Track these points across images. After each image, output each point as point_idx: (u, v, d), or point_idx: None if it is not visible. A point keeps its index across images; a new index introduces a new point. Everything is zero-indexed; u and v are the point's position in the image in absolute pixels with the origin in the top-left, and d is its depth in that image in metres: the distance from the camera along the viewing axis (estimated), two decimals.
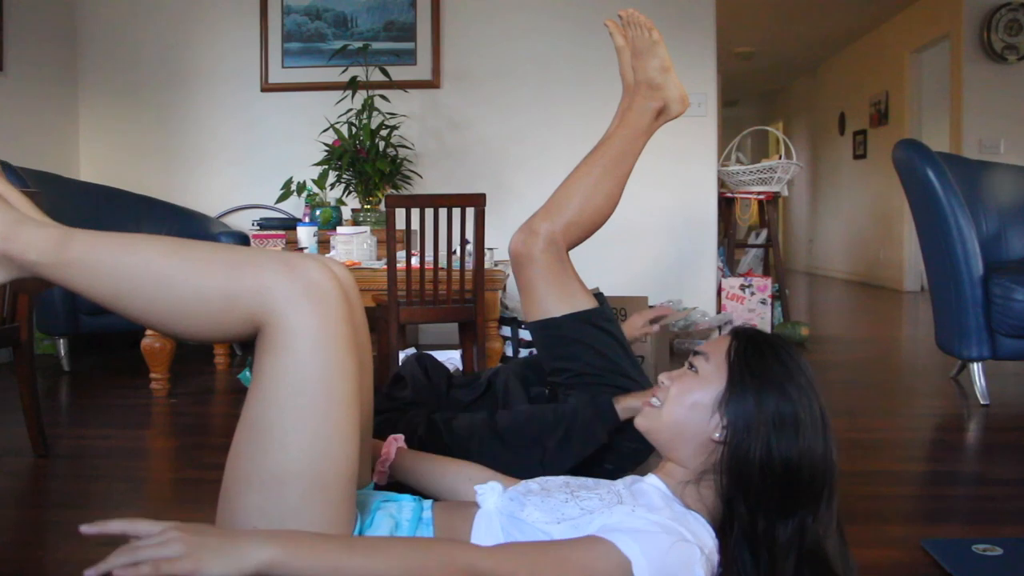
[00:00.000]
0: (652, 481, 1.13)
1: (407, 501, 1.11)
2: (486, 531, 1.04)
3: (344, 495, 0.97)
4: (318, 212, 3.70)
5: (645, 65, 1.78)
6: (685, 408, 1.10)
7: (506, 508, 1.07)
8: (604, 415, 1.55)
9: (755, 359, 1.09)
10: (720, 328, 4.27)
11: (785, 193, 4.90)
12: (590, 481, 1.15)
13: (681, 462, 1.12)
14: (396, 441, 1.41)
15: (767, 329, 4.30)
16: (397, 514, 1.07)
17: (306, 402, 0.94)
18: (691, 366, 1.14)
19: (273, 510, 0.93)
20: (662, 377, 1.17)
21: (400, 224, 3.68)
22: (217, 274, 0.97)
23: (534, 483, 1.14)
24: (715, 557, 1.02)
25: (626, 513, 1.00)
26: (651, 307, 3.59)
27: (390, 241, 2.53)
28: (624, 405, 1.57)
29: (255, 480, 0.94)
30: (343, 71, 4.05)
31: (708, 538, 1.03)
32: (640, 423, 1.16)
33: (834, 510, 1.07)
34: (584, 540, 0.97)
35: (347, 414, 0.97)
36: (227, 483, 0.97)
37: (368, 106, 3.86)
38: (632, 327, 2.07)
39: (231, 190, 4.46)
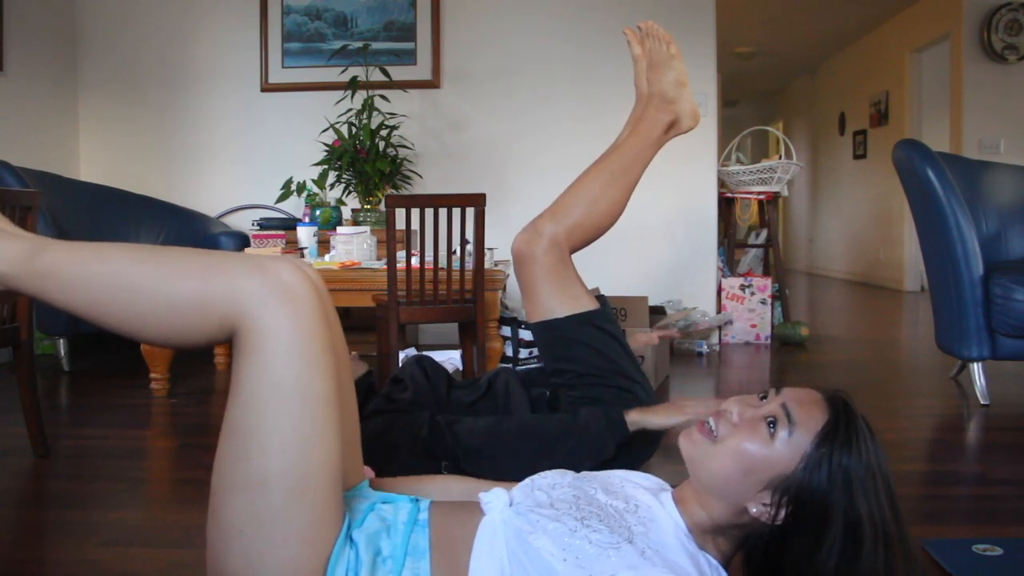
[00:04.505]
0: (670, 510, 1.06)
1: (404, 502, 1.10)
2: (489, 544, 1.00)
3: (329, 494, 0.97)
4: (318, 212, 3.70)
5: (661, 78, 1.79)
6: (738, 470, 1.01)
7: (513, 523, 1.02)
8: (615, 428, 1.54)
9: (843, 456, 0.97)
10: (720, 328, 4.28)
11: (785, 193, 4.91)
12: (600, 495, 1.07)
13: (705, 505, 1.05)
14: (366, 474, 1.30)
15: (767, 329, 4.30)
16: (392, 516, 1.06)
17: (285, 403, 0.94)
18: (771, 423, 1.01)
19: (259, 512, 0.93)
20: (731, 405, 1.05)
21: (400, 224, 3.67)
22: (189, 280, 0.97)
23: (541, 491, 1.08)
24: None
25: (635, 563, 0.93)
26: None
27: (390, 241, 2.53)
28: (634, 419, 1.56)
29: (239, 483, 0.94)
30: (343, 71, 4.05)
31: None
32: (685, 448, 1.07)
33: None
34: None
35: (327, 413, 0.97)
36: (214, 487, 0.97)
37: (368, 106, 3.86)
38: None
39: (231, 190, 4.46)
